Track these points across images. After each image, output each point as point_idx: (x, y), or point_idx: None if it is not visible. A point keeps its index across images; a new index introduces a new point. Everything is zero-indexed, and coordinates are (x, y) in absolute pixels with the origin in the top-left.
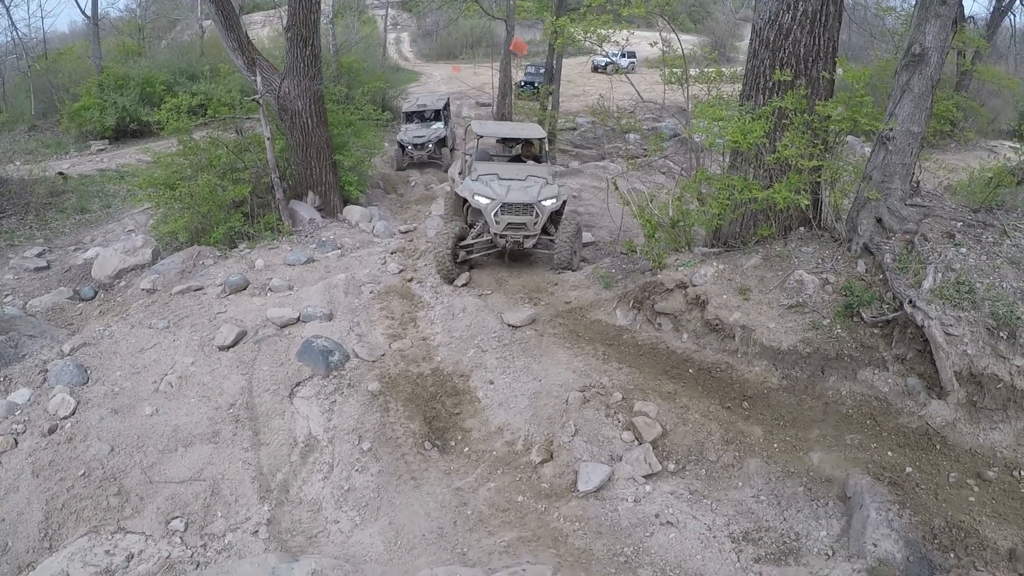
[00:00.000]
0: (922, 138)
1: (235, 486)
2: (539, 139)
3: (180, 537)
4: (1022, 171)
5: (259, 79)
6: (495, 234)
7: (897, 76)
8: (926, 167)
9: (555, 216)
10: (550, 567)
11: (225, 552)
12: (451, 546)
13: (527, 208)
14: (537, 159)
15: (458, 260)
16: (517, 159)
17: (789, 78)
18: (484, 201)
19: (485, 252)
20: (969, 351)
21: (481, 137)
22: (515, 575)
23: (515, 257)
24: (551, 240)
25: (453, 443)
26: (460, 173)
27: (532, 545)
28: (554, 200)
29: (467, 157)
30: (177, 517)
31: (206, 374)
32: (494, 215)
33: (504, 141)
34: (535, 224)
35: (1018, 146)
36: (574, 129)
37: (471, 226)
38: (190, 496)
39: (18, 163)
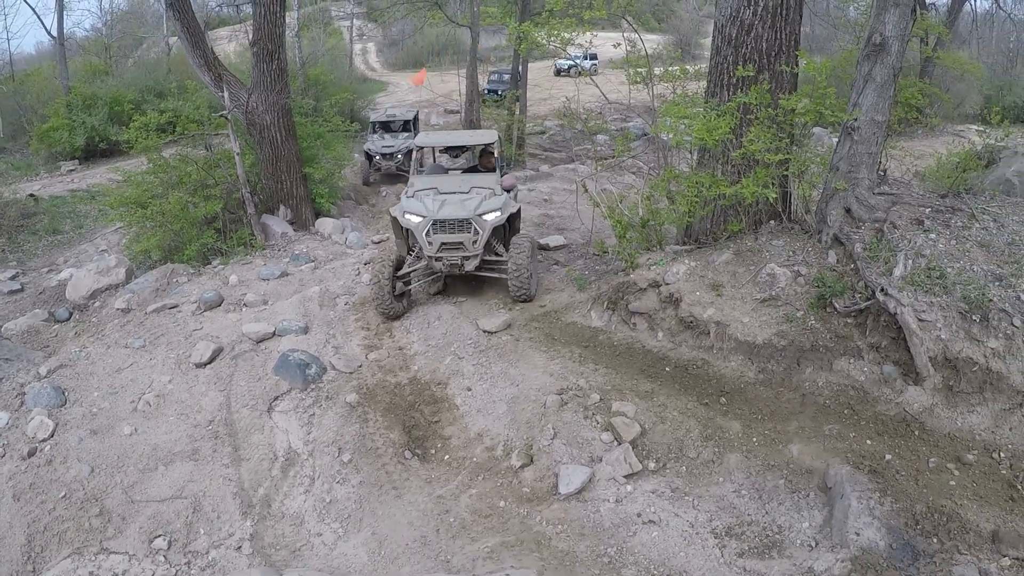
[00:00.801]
0: (887, 127)
1: (217, 502)
2: (488, 144)
3: (164, 555)
4: (988, 154)
5: (226, 94)
6: (430, 257)
7: (859, 66)
8: (893, 155)
9: (505, 235)
10: (534, 571)
11: (209, 569)
12: (435, 554)
13: (463, 224)
14: (491, 170)
15: (396, 292)
16: (473, 170)
17: (752, 73)
18: (415, 220)
19: (424, 279)
20: (943, 336)
21: (421, 149)
22: None
23: (460, 284)
24: (501, 262)
25: (433, 451)
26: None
27: (515, 550)
28: (497, 213)
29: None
30: (160, 535)
31: (184, 392)
32: (425, 235)
33: (450, 150)
34: (474, 243)
35: (983, 129)
36: (543, 133)
37: (411, 251)
38: (172, 514)
39: None
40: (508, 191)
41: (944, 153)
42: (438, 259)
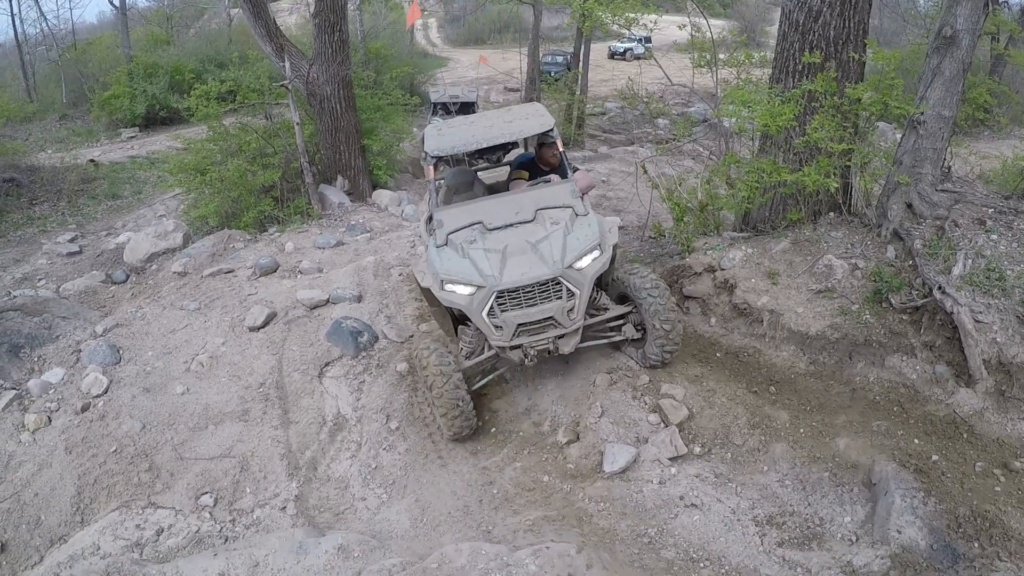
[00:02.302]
0: (953, 123)
1: (264, 463)
2: (545, 134)
3: (209, 512)
4: None
5: (287, 65)
6: (499, 348)
7: (928, 59)
8: (958, 153)
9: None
10: (574, 545)
11: (253, 527)
12: (476, 523)
13: (547, 288)
14: (556, 170)
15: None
16: (531, 173)
17: (819, 60)
18: (463, 293)
19: (499, 373)
20: (999, 339)
21: (440, 159)
22: (539, 552)
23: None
24: (620, 322)
25: (480, 423)
26: (430, 221)
27: (557, 524)
28: (596, 252)
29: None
30: (207, 493)
31: (236, 354)
32: (487, 315)
33: (484, 154)
34: (571, 313)
35: None
36: (603, 114)
37: (457, 322)
38: (220, 472)
39: (50, 151)
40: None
41: (1010, 156)
42: (515, 348)
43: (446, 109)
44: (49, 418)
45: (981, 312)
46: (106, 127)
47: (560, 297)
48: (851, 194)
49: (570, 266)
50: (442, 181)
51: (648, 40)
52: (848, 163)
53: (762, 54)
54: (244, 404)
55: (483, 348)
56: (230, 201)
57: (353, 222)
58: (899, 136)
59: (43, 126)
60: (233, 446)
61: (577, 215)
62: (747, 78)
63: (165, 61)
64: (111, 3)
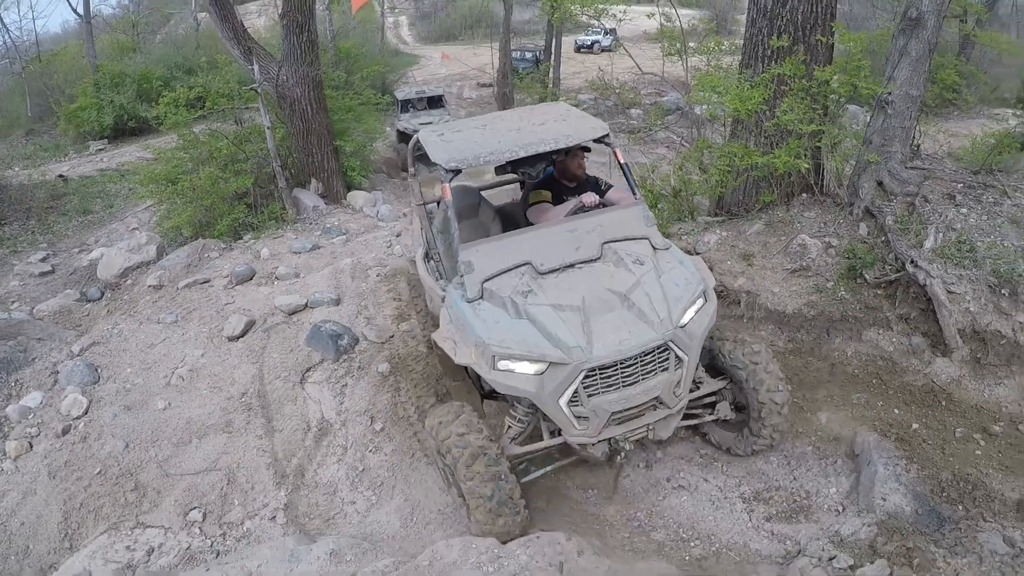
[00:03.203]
0: (921, 102)
1: (251, 473)
2: (600, 139)
3: (199, 527)
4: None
5: (256, 68)
6: (580, 445)
7: (894, 40)
8: (926, 132)
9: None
10: (563, 533)
11: (244, 540)
12: (466, 518)
13: (654, 358)
14: (583, 186)
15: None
16: (553, 192)
17: (787, 44)
18: (529, 373)
19: (563, 464)
20: (972, 308)
21: (454, 173)
22: (529, 542)
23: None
24: (712, 401)
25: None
26: (428, 258)
27: (546, 513)
28: (701, 301)
29: (431, 229)
30: (195, 508)
31: (216, 365)
32: (569, 403)
33: (517, 166)
34: (679, 387)
35: (1021, 113)
36: (577, 106)
37: (490, 395)
38: (207, 486)
39: (17, 168)
40: None
41: (979, 134)
42: (604, 441)
43: (413, 106)
44: (30, 443)
45: (953, 283)
46: (74, 140)
47: (667, 369)
48: (823, 174)
49: (677, 325)
50: (434, 206)
51: (613, 32)
52: (819, 144)
53: (732, 42)
54: (227, 415)
55: (540, 432)
56: (203, 210)
57: (328, 225)
58: (869, 117)
59: (9, 143)
60: (218, 459)
61: (656, 249)
62: (717, 65)
63: (132, 69)
64: (75, 12)
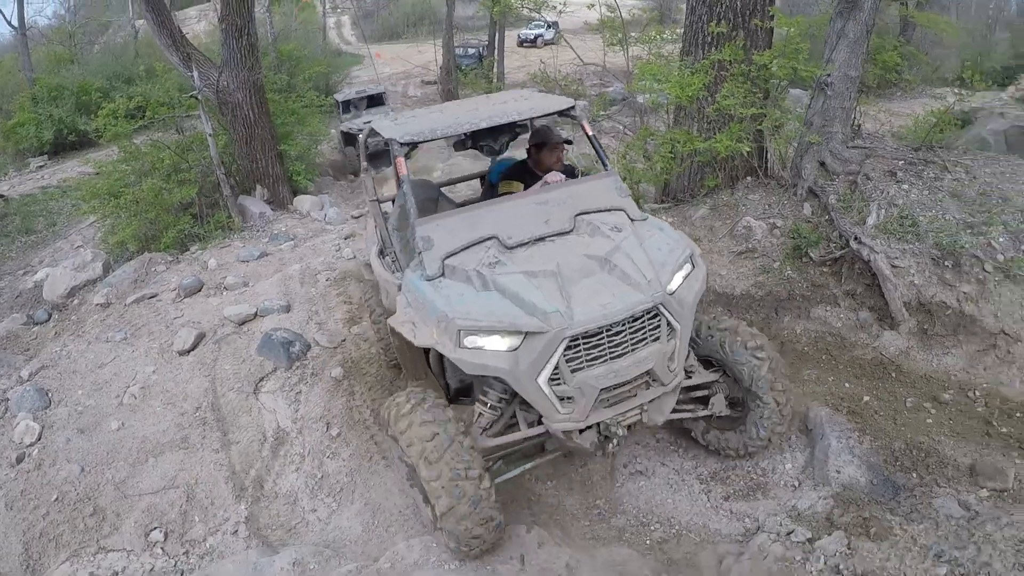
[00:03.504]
0: (859, 82)
1: (210, 489)
2: (565, 112)
3: (161, 548)
4: (964, 115)
5: (196, 74)
6: (565, 433)
7: (832, 23)
8: (867, 112)
9: None
10: (524, 525)
11: (208, 556)
12: (428, 519)
13: (643, 326)
14: (572, 173)
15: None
16: (525, 184)
17: (725, 30)
18: (502, 348)
19: (547, 459)
20: (916, 281)
21: (410, 146)
22: None
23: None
24: (703, 395)
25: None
26: (383, 255)
27: (509, 508)
28: (688, 267)
29: (386, 226)
30: (156, 528)
31: (169, 381)
32: (549, 384)
33: (476, 139)
34: (671, 361)
35: (960, 92)
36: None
37: (459, 393)
38: (166, 505)
39: None
40: None
41: (922, 113)
42: (590, 428)
43: (355, 106)
44: None
45: (897, 257)
46: (13, 158)
47: (659, 339)
48: (766, 157)
49: (665, 290)
50: (388, 204)
51: (555, 25)
52: (760, 127)
53: (673, 30)
54: (182, 431)
55: (517, 422)
56: (148, 223)
57: (276, 231)
58: (809, 99)
59: None
60: (176, 476)
61: (634, 220)
62: (658, 53)
63: (70, 82)
64: (8, 23)
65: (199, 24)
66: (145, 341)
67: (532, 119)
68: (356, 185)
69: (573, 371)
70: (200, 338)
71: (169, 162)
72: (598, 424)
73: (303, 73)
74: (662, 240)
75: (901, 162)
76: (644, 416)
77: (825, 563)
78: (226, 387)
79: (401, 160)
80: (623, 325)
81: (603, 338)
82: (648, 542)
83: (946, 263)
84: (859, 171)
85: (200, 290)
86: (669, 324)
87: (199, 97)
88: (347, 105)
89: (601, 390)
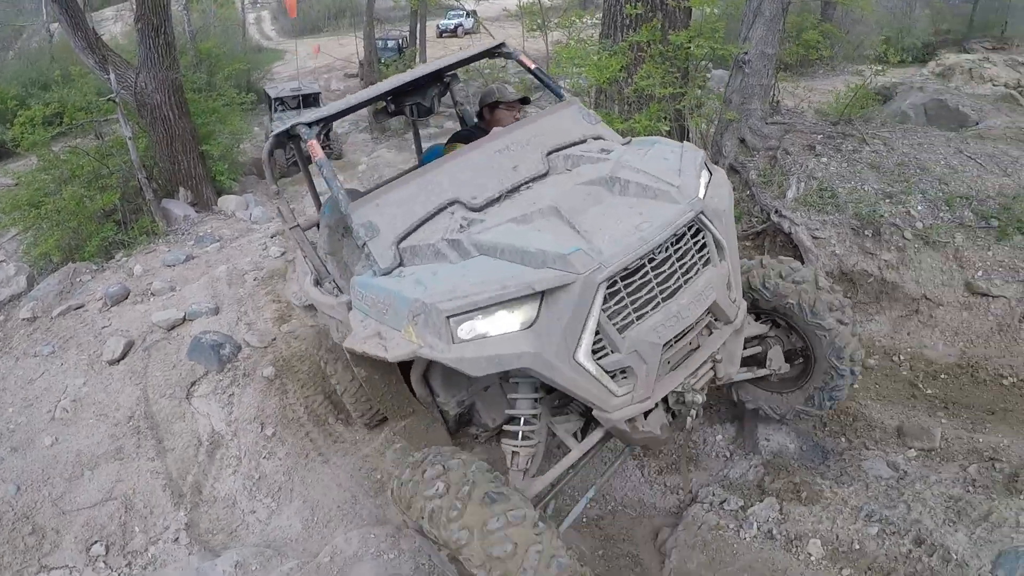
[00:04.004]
0: (777, 59)
1: (148, 498)
2: (496, 50)
3: (103, 561)
4: (886, 90)
5: (113, 77)
6: (630, 424)
7: (748, 1)
8: (792, 91)
9: None
10: None
11: (151, 566)
12: (366, 512)
13: (688, 247)
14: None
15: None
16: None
17: (642, 12)
18: (513, 325)
19: (609, 473)
20: (837, 251)
21: (318, 125)
22: None
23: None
24: (758, 347)
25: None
26: (318, 284)
27: None
28: (707, 174)
29: (315, 253)
30: (97, 542)
31: (100, 392)
32: (596, 364)
33: (400, 103)
34: (732, 293)
35: (877, 67)
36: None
37: (462, 422)
38: (105, 518)
39: None
40: None
41: (843, 90)
42: (655, 408)
43: (286, 105)
44: None
45: (818, 229)
46: None
47: (709, 260)
48: (687, 136)
49: (697, 202)
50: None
51: (474, 13)
52: (680, 107)
53: (593, 14)
54: (116, 442)
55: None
56: (71, 232)
57: (201, 233)
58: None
59: None
60: (113, 487)
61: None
62: (578, 37)
63: None
64: None
65: (116, 25)
66: (74, 353)
67: (461, 64)
68: (281, 183)
69: (622, 332)
70: (129, 346)
71: (89, 168)
72: (664, 400)
73: (223, 71)
74: (665, 149)
75: (820, 136)
76: (719, 370)
77: (758, 529)
78: (158, 394)
79: (314, 143)
80: (667, 250)
81: (648, 274)
82: (585, 520)
83: (866, 232)
84: (778, 146)
85: (127, 297)
86: (716, 241)
87: (117, 100)
88: (279, 103)
89: (664, 346)
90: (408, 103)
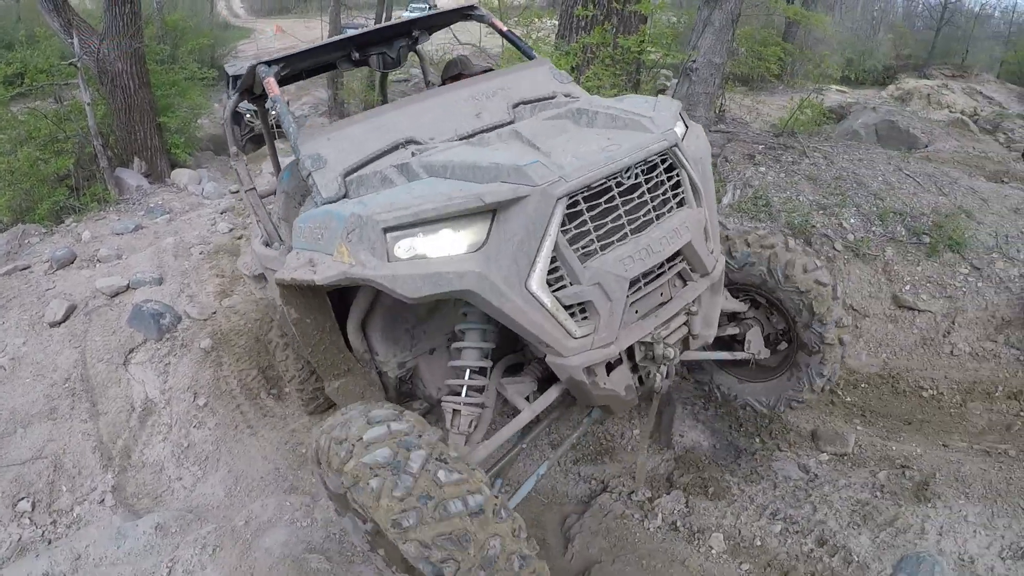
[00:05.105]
0: (723, 69)
1: (77, 459)
2: (467, 12)
3: (29, 518)
4: (841, 109)
5: (76, 41)
6: (589, 374)
7: (699, 11)
8: (743, 103)
9: None
10: None
11: (75, 526)
12: (288, 483)
13: (660, 182)
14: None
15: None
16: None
17: (593, 14)
18: (459, 251)
19: (565, 448)
20: None
21: (277, 65)
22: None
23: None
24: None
25: (288, 389)
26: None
27: None
28: (681, 125)
29: (269, 218)
30: (23, 498)
31: (39, 352)
32: (553, 297)
33: (365, 52)
34: (708, 242)
35: (844, 89)
36: (407, 80)
37: (403, 388)
38: (34, 475)
39: None
40: None
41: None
42: (619, 364)
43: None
44: None
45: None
46: None
47: (686, 202)
48: None
49: (667, 133)
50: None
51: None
52: None
53: (552, 13)
54: (51, 402)
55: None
56: (23, 194)
57: (152, 204)
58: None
59: None
60: (44, 446)
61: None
62: (532, 36)
63: None
64: None
65: None
66: (16, 313)
67: (430, 22)
68: (232, 167)
69: (582, 259)
70: (71, 310)
71: (46, 132)
72: (631, 357)
73: (187, 44)
74: (639, 99)
75: (761, 147)
76: (694, 326)
77: (663, 520)
78: (96, 358)
79: (271, 80)
80: (637, 178)
81: (615, 199)
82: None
83: (797, 241)
84: (719, 154)
85: (73, 262)
86: (692, 183)
87: (79, 65)
88: (237, 80)
89: (631, 285)
90: (374, 53)
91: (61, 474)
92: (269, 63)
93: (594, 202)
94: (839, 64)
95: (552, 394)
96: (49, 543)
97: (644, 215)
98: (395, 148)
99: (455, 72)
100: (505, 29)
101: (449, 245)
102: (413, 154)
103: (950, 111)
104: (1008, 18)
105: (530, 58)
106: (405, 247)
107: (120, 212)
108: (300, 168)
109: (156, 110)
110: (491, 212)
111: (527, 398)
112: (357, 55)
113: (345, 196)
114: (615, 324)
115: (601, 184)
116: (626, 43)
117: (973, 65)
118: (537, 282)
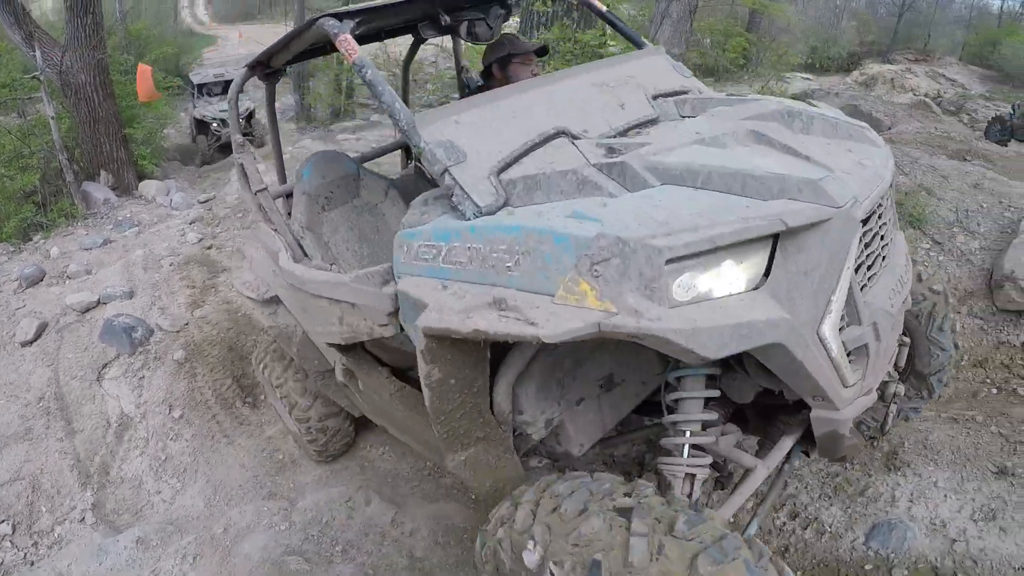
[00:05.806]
0: (683, 60)
1: (55, 478)
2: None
3: (10, 541)
4: (806, 94)
5: (38, 54)
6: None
7: (657, 4)
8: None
9: None
10: (355, 486)
11: (56, 546)
12: (266, 490)
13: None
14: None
15: None
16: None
17: (550, 8)
18: (738, 286)
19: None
20: None
21: (358, 20)
22: (317, 501)
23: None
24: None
25: (263, 397)
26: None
27: (342, 475)
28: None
29: (287, 225)
30: (3, 521)
31: (11, 373)
32: (839, 340)
33: (456, 18)
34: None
35: (810, 76)
36: (394, 74)
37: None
38: (12, 497)
39: None
40: None
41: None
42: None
43: (210, 91)
44: None
45: None
46: None
47: (895, 222)
48: None
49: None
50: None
51: None
52: None
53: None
54: (26, 423)
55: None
56: None
57: (120, 218)
58: None
59: None
60: (21, 467)
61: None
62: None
63: None
64: None
65: (48, 1)
66: None
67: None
68: (203, 170)
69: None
70: (42, 328)
71: (10, 147)
72: (880, 393)
73: (152, 54)
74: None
75: None
76: (901, 356)
77: None
78: (69, 376)
79: (348, 38)
80: (884, 202)
81: (879, 220)
82: (473, 497)
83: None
84: None
85: (42, 279)
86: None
87: (41, 78)
88: (202, 89)
89: (874, 323)
90: (467, 18)
91: (40, 495)
92: (342, 17)
93: (866, 227)
94: (803, 53)
95: (786, 446)
96: (32, 565)
97: (885, 243)
98: (544, 141)
99: (503, 53)
100: (605, 10)
101: (731, 280)
102: (613, 150)
103: (914, 94)
104: (969, 2)
105: (639, 46)
106: (685, 285)
107: (88, 227)
108: (428, 163)
109: (121, 122)
110: (771, 239)
111: (756, 451)
112: (447, 19)
113: (505, 204)
114: (880, 368)
115: (878, 206)
116: (585, 38)
117: (936, 49)
118: (830, 325)
